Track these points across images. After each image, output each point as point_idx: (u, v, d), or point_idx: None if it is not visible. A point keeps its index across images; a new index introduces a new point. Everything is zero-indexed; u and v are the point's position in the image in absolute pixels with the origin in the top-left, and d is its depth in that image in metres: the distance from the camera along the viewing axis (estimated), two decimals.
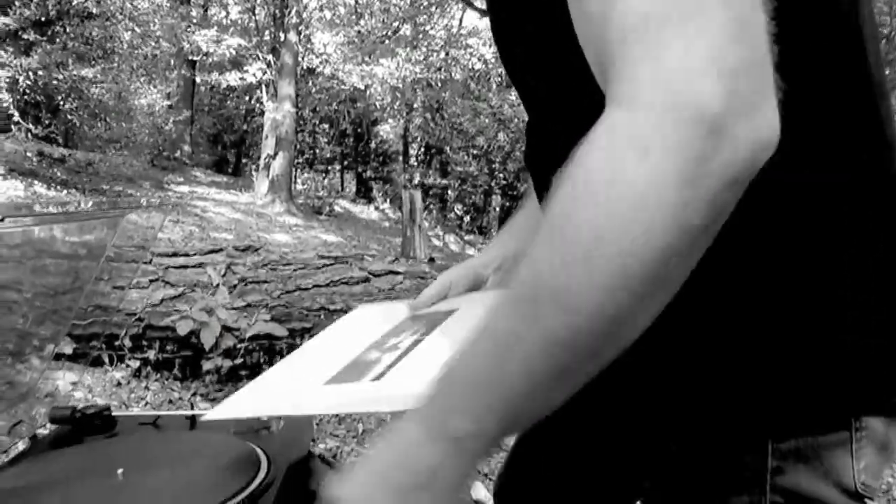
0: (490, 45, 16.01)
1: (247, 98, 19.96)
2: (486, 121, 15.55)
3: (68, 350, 2.37)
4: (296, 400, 0.73)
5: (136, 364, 2.47)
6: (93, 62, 11.02)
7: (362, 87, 16.28)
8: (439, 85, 17.44)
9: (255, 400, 0.78)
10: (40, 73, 9.26)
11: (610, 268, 0.40)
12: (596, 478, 0.83)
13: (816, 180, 0.53)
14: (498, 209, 21.11)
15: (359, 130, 21.14)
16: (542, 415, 0.47)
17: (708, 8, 0.38)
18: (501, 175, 18.10)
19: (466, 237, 17.63)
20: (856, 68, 0.54)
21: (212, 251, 2.87)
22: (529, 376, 0.44)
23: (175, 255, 2.76)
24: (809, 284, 0.54)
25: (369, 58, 16.00)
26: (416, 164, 21.46)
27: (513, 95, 14.77)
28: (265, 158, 14.40)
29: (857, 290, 0.55)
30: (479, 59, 16.50)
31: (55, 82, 9.74)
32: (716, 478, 0.61)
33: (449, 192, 19.63)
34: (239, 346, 2.70)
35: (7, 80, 8.79)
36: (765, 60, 0.40)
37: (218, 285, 2.69)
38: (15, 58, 8.83)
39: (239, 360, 2.66)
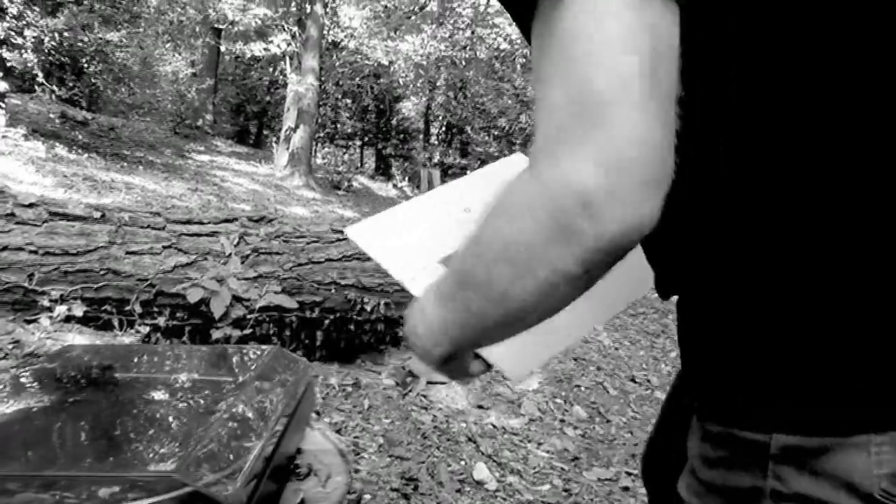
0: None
1: (270, 69, 19.92)
2: (509, 102, 15.41)
3: (79, 312, 2.38)
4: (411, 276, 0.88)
5: (145, 330, 2.48)
6: (119, 26, 11.03)
7: (386, 63, 16.19)
8: (463, 64, 17.28)
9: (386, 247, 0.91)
10: (66, 34, 9.28)
11: (502, 283, 0.55)
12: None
13: None
14: None
15: (381, 107, 21.05)
16: (478, 341, 0.66)
17: (615, 117, 0.46)
18: None
19: None
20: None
21: (225, 220, 2.86)
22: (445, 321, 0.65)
23: (189, 222, 2.75)
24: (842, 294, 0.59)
25: (395, 33, 15.88)
26: (436, 142, 21.36)
27: None
28: (286, 131, 14.39)
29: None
30: (505, 39, 16.30)
31: (80, 44, 9.76)
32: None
33: (468, 171, 19.55)
34: (249, 316, 2.70)
35: (33, 39, 8.82)
36: (655, 166, 0.48)
37: (230, 255, 2.69)
38: (41, 18, 8.85)
39: (248, 331, 2.66)
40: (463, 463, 2.55)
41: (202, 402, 0.98)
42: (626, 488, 2.70)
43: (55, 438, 0.88)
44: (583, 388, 3.65)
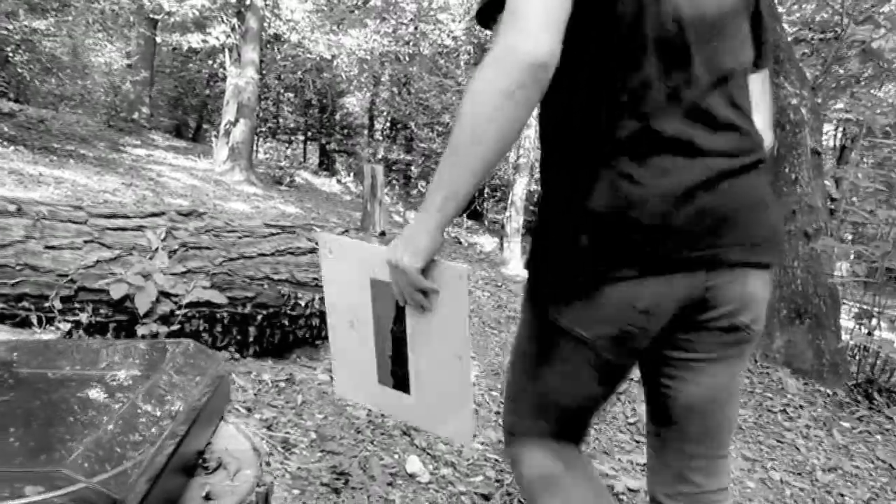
0: (459, 22, 15.85)
1: (210, 62, 19.43)
2: (453, 98, 15.43)
3: None
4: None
5: (66, 327, 2.39)
6: (46, 14, 10.55)
7: (329, 58, 15.99)
8: (407, 59, 17.23)
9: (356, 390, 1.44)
10: None
11: (475, 123, 0.98)
12: None
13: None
14: None
15: (324, 101, 20.80)
16: (463, 202, 1.05)
17: (529, 11, 0.94)
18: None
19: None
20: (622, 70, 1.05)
21: (152, 214, 2.78)
22: (454, 181, 1.02)
23: (113, 216, 2.67)
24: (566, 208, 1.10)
25: (338, 27, 15.69)
26: (380, 138, 21.25)
27: None
28: (226, 125, 14.06)
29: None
30: (449, 35, 16.32)
31: (5, 32, 9.29)
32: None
33: (413, 168, 19.49)
34: (177, 312, 2.64)
35: None
36: (550, 20, 0.95)
37: (157, 249, 2.62)
38: None
39: (176, 327, 2.59)
40: (396, 456, 2.55)
41: (103, 397, 0.95)
42: None
43: None
44: None
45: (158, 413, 0.93)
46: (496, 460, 2.78)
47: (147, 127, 16.88)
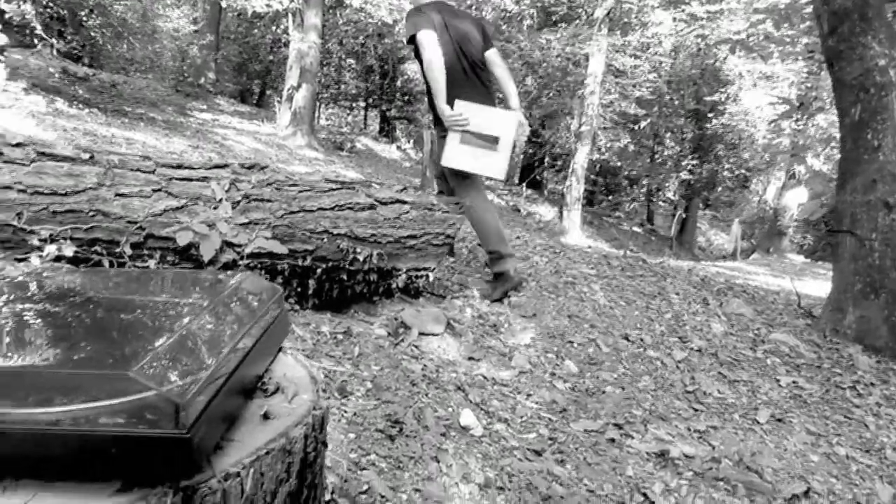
0: None
1: (273, 27, 19.64)
2: (515, 64, 15.18)
3: (69, 252, 2.38)
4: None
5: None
6: None
7: (391, 22, 15.93)
8: None
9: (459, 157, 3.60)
10: None
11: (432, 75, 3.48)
12: None
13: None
14: (521, 157, 20.85)
15: (385, 67, 20.79)
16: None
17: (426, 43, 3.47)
18: (527, 121, 17.80)
19: (487, 182, 17.48)
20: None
21: (216, 166, 2.84)
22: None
23: (179, 167, 2.73)
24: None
25: None
26: None
27: (543, 38, 14.36)
28: (289, 90, 14.24)
29: None
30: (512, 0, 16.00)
31: None
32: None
33: None
34: (239, 261, 2.70)
35: None
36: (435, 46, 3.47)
37: (221, 200, 2.67)
38: None
39: None
40: (450, 409, 2.57)
41: (169, 317, 0.97)
42: (611, 440, 2.72)
43: (20, 340, 0.88)
44: (575, 345, 3.67)
45: (221, 334, 0.95)
46: (550, 419, 2.77)
47: (213, 92, 17.25)
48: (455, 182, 3.80)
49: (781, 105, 13.30)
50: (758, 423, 3.12)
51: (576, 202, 12.91)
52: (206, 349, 0.90)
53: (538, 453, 2.41)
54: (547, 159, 19.85)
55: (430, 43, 3.38)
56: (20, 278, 1.11)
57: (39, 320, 0.94)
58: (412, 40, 3.47)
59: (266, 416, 0.95)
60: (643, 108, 16.11)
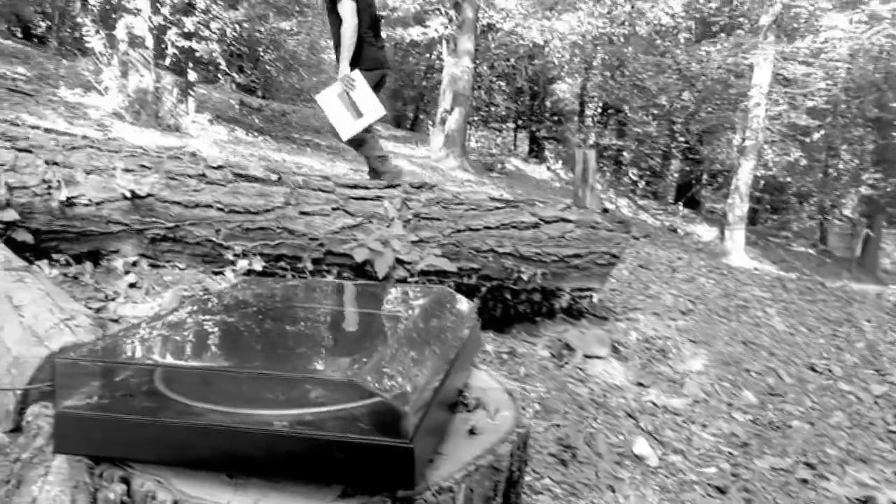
0: None
1: (427, 55, 20.36)
2: (671, 78, 14.63)
3: (258, 267, 2.56)
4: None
5: None
6: (291, 16, 11.76)
7: (541, 43, 15.96)
8: (622, 40, 16.64)
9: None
10: (245, 25, 10.05)
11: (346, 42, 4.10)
12: None
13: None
14: (677, 174, 19.97)
15: (535, 88, 20.83)
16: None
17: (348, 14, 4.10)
18: (683, 138, 17.01)
19: (640, 202, 16.89)
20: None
21: (389, 186, 2.95)
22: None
23: (355, 187, 2.87)
24: None
25: (550, 12, 15.60)
26: (591, 124, 20.80)
27: (703, 50, 13.71)
28: (441, 113, 14.64)
29: None
30: (667, 13, 15.47)
31: (258, 34, 10.50)
32: None
33: (625, 153, 18.84)
34: (410, 279, 2.77)
35: (217, 31, 9.63)
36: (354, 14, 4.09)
37: (393, 218, 2.76)
38: (224, 11, 9.64)
39: None
40: (621, 437, 2.46)
41: (377, 328, 0.99)
42: (804, 480, 2.47)
43: (248, 346, 0.93)
44: (752, 373, 3.39)
45: (429, 345, 0.95)
46: (730, 453, 2.57)
47: None
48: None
49: None
50: None
51: (739, 221, 12.12)
52: (418, 360, 0.90)
53: (721, 490, 2.24)
54: (705, 176, 18.85)
55: (352, 12, 4.02)
56: (237, 291, 1.18)
57: (264, 329, 0.99)
58: (334, 2, 4.09)
59: (472, 432, 0.94)
60: (815, 118, 14.85)
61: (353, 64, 4.16)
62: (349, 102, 4.19)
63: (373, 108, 4.27)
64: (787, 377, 3.39)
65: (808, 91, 13.53)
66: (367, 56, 4.26)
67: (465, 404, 1.02)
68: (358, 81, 4.14)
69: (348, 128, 4.23)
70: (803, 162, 17.05)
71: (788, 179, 18.13)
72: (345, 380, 0.76)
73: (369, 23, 4.31)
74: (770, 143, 14.69)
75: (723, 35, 14.15)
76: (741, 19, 14.14)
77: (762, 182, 17.92)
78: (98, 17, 9.94)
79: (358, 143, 4.38)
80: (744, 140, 12.17)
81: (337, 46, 4.28)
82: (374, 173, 4.48)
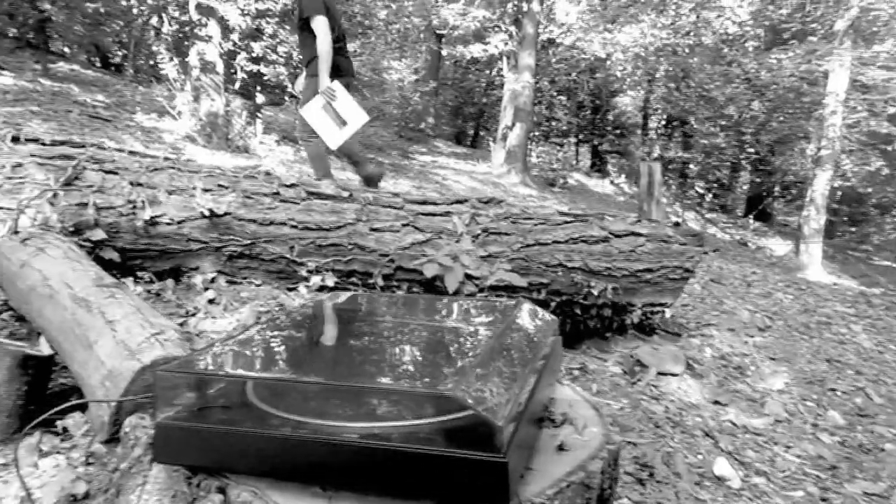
0: (746, 4, 14.56)
1: (487, 71, 20.47)
2: (739, 88, 14.23)
3: (330, 283, 2.61)
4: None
5: None
6: (354, 37, 12.02)
7: (603, 56, 15.81)
8: (686, 51, 16.31)
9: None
10: None
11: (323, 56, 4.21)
12: None
13: None
14: (747, 186, 19.35)
15: (596, 102, 20.63)
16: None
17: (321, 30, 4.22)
18: (752, 149, 16.48)
19: (708, 215, 16.41)
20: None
21: (457, 201, 2.96)
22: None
23: (424, 203, 2.89)
24: None
25: (612, 25, 15.45)
26: (655, 136, 20.43)
27: (773, 58, 13.29)
28: (503, 129, 14.66)
29: None
30: (734, 22, 15.08)
31: None
32: None
33: (691, 166, 18.39)
34: (479, 294, 2.76)
35: (284, 55, 9.93)
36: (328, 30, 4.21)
37: (462, 234, 2.77)
38: (291, 35, 9.94)
39: None
40: (700, 457, 2.37)
41: (465, 342, 0.99)
42: None
43: (336, 359, 0.94)
44: (839, 393, 3.23)
45: (517, 359, 0.94)
46: (818, 476, 2.45)
47: (432, 135, 18.32)
48: (304, 130, 4.50)
49: None
50: None
51: (815, 234, 11.62)
52: (507, 373, 0.89)
53: None
54: (777, 188, 18.20)
55: (325, 28, 4.17)
56: (324, 307, 1.20)
57: (351, 343, 1.00)
58: (307, 19, 4.22)
59: (561, 448, 0.92)
60: None
61: (331, 75, 4.32)
62: (333, 113, 4.32)
63: (356, 115, 4.40)
64: (877, 397, 3.21)
65: (890, 97, 12.92)
66: (338, 66, 4.43)
67: (552, 419, 1.00)
68: (339, 91, 4.26)
69: (336, 137, 4.36)
70: (885, 171, 16.25)
71: (868, 190, 17.30)
72: (440, 394, 0.76)
73: (338, 35, 4.48)
74: (848, 152, 14.07)
75: (794, 42, 13.69)
76: (814, 25, 13.65)
77: (839, 193, 17.16)
78: (171, 44, 10.41)
79: (348, 151, 4.59)
80: (819, 150, 11.70)
81: (307, 62, 4.45)
82: (368, 180, 4.74)
